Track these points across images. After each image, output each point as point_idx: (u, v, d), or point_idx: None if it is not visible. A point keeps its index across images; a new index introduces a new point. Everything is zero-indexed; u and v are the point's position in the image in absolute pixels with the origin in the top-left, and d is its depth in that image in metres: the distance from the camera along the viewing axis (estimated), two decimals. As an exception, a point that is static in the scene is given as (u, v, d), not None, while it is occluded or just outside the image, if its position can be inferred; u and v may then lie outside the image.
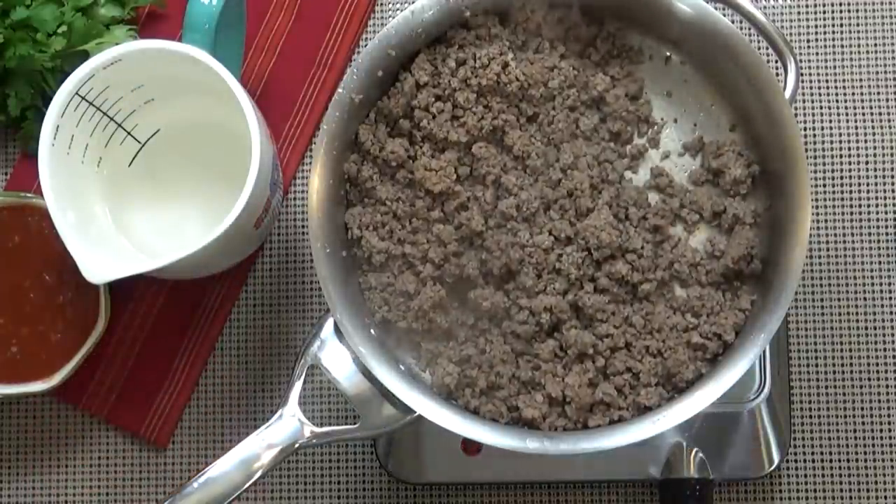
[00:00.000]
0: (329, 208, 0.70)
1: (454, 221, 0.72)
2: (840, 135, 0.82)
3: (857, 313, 0.81)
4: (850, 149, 0.82)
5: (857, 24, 0.83)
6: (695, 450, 0.77)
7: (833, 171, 0.82)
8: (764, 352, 0.76)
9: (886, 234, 0.81)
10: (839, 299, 0.81)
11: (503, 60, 0.71)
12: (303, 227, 0.84)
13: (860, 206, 0.82)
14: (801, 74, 0.82)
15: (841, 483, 0.80)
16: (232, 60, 0.81)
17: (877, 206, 0.82)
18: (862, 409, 0.81)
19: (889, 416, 0.80)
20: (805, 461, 0.80)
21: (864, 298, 0.81)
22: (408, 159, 0.72)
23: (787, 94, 0.70)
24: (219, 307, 0.83)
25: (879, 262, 0.81)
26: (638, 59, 0.75)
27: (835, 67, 0.83)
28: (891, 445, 0.80)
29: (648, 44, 0.75)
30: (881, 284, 0.81)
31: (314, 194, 0.70)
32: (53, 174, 0.71)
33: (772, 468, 0.78)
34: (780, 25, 0.83)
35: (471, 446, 0.78)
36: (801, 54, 0.83)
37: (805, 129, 0.82)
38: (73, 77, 0.71)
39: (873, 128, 0.82)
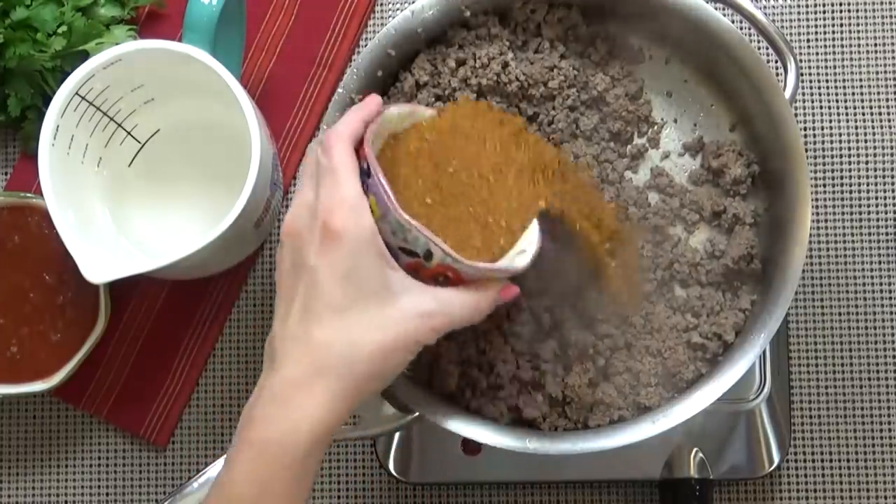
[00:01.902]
0: (329, 208, 0.70)
1: (454, 221, 0.71)
2: (840, 135, 0.82)
3: (857, 313, 0.81)
4: (850, 149, 0.82)
5: (857, 24, 0.83)
6: (695, 450, 0.77)
7: (833, 171, 0.82)
8: (764, 352, 0.76)
9: (886, 234, 0.81)
10: (839, 299, 0.81)
11: (503, 60, 0.71)
12: (303, 227, 0.83)
13: (860, 206, 0.82)
14: (801, 74, 0.82)
15: (841, 483, 0.80)
16: (232, 60, 0.81)
17: (877, 206, 0.82)
18: (862, 409, 0.81)
19: (889, 416, 0.80)
20: (805, 461, 0.80)
21: (864, 298, 0.81)
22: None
23: (787, 94, 0.70)
24: (219, 307, 0.83)
25: (879, 262, 0.81)
26: (638, 59, 0.75)
27: (835, 67, 0.83)
28: (891, 445, 0.80)
29: (648, 44, 0.75)
30: (881, 284, 0.81)
31: (314, 194, 0.70)
32: (53, 174, 0.71)
33: (772, 468, 0.78)
34: (780, 25, 0.83)
35: (471, 446, 0.78)
36: (801, 54, 0.83)
37: (805, 129, 0.82)
38: (73, 77, 0.71)
39: (873, 128, 0.82)
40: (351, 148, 0.58)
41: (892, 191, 0.82)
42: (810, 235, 0.69)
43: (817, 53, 0.83)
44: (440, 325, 0.58)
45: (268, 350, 0.59)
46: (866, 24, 0.83)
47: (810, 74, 0.83)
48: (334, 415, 0.56)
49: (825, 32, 0.83)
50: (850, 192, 0.82)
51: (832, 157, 0.82)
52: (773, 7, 0.84)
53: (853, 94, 0.83)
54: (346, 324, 0.56)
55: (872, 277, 0.81)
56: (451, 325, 0.59)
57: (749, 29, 0.80)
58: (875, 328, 0.81)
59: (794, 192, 0.69)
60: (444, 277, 0.59)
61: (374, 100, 0.62)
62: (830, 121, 0.83)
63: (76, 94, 0.72)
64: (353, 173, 0.57)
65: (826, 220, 0.82)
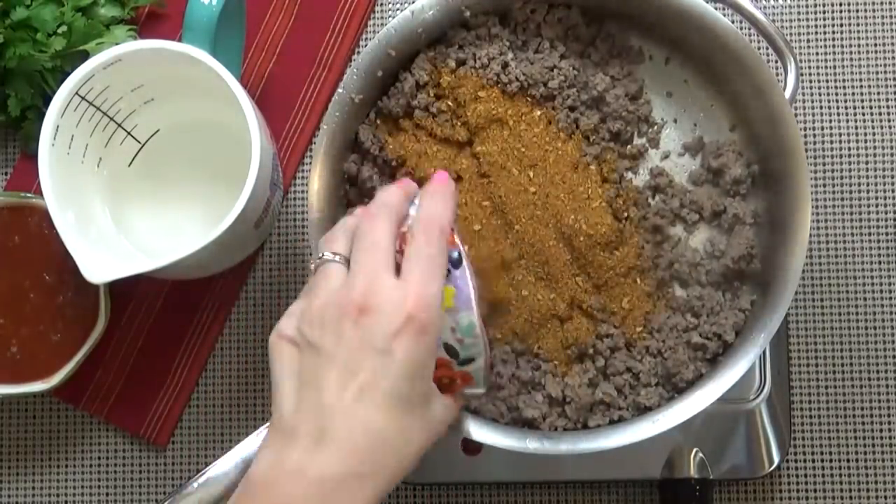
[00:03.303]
0: (329, 208, 0.70)
1: (454, 221, 0.72)
2: (840, 135, 0.82)
3: (857, 313, 0.81)
4: (850, 149, 0.82)
5: (857, 24, 0.83)
6: (695, 450, 0.77)
7: (833, 171, 0.82)
8: (764, 352, 0.76)
9: (886, 234, 0.81)
10: (839, 299, 0.81)
11: (503, 60, 0.71)
12: (303, 227, 0.83)
13: (860, 206, 0.82)
14: (801, 74, 0.82)
15: (841, 483, 0.80)
16: (232, 60, 0.81)
17: (877, 206, 0.82)
18: (862, 409, 0.81)
19: (889, 416, 0.80)
20: (805, 461, 0.80)
21: (864, 298, 0.81)
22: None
23: (787, 94, 0.70)
24: (219, 307, 0.83)
25: (879, 262, 0.81)
26: (638, 59, 0.75)
27: (835, 67, 0.83)
28: (891, 445, 0.80)
29: (648, 44, 0.75)
30: (881, 284, 0.81)
31: (314, 194, 0.70)
32: (53, 174, 0.71)
33: (772, 468, 0.78)
34: (780, 25, 0.83)
35: (471, 446, 0.78)
36: (801, 54, 0.83)
37: (805, 129, 0.82)
38: (73, 77, 0.71)
39: (873, 128, 0.82)
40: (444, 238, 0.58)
41: (892, 191, 0.82)
42: (810, 235, 0.69)
43: (817, 53, 0.83)
44: (443, 433, 0.59)
45: (311, 414, 0.55)
46: (866, 24, 0.83)
47: (810, 74, 0.83)
48: None
49: (825, 32, 0.83)
50: (850, 192, 0.82)
51: (832, 157, 0.82)
52: (773, 7, 0.84)
53: (853, 94, 0.83)
54: (404, 419, 0.55)
55: (872, 277, 0.81)
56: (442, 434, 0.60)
57: (749, 29, 0.80)
58: (875, 328, 0.81)
59: (794, 192, 0.69)
60: (449, 381, 0.60)
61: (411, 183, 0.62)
62: (830, 121, 0.82)
63: (76, 94, 0.72)
64: (443, 270, 0.57)
65: (826, 220, 0.82)
